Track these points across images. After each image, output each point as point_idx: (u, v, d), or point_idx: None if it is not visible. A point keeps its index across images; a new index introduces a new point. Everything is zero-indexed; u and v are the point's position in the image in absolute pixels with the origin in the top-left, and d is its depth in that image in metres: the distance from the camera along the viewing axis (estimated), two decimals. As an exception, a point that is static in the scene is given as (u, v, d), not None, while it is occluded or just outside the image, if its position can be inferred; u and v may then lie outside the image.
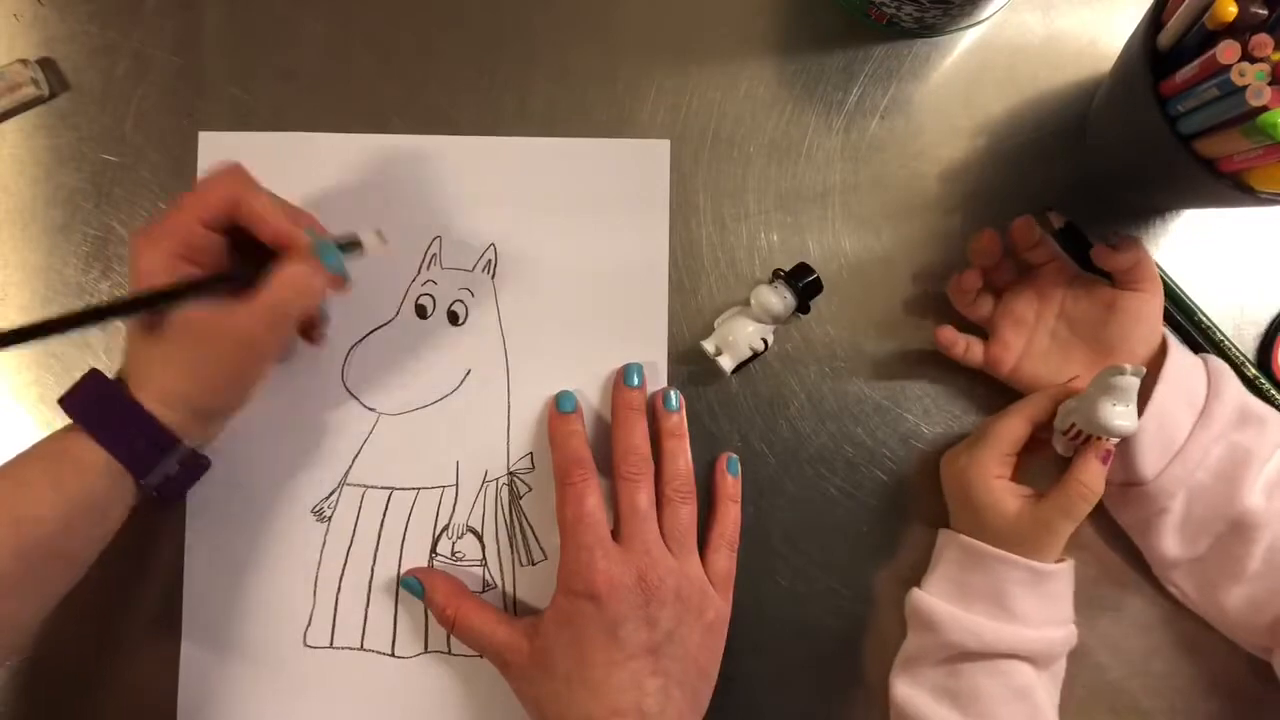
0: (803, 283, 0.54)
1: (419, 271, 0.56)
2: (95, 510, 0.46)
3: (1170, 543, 0.50)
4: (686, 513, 0.52)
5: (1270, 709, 0.53)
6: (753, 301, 0.54)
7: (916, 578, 0.53)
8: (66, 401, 0.46)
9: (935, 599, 0.50)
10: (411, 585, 0.53)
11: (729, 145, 0.57)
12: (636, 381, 0.54)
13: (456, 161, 0.56)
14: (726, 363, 0.53)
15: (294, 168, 0.56)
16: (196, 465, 0.52)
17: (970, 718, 0.48)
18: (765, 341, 0.54)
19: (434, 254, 0.56)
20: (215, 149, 0.56)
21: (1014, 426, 0.51)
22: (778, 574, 0.55)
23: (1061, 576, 0.50)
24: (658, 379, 0.55)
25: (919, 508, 0.55)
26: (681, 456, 0.53)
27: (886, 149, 0.57)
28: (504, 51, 0.57)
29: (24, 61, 0.56)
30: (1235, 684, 0.54)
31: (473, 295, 0.56)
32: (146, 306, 0.45)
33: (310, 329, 0.54)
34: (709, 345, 0.54)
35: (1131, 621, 0.54)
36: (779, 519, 0.55)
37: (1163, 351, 0.51)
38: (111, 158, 0.56)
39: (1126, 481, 0.50)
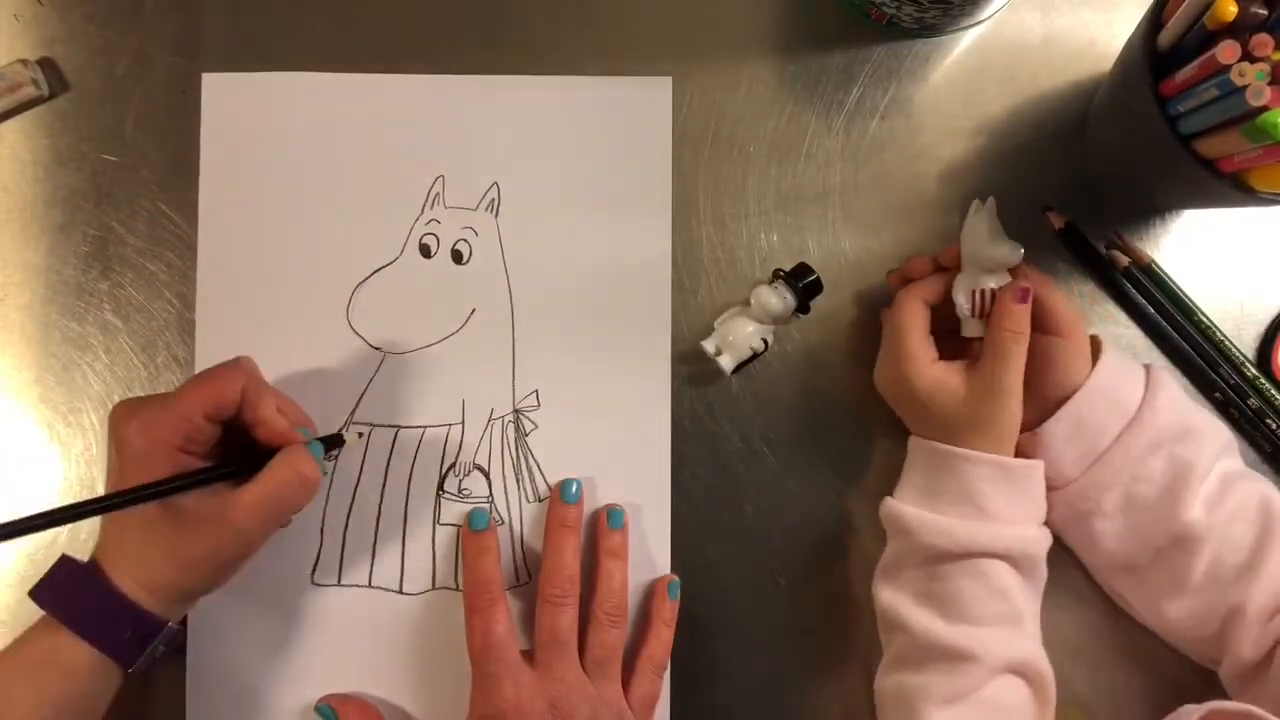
0: (803, 283, 0.54)
1: (422, 211, 0.56)
2: (83, 708, 0.45)
3: (1107, 548, 0.50)
4: (615, 636, 0.51)
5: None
6: (753, 301, 0.54)
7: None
8: (43, 594, 0.45)
9: (905, 504, 0.50)
10: (324, 712, 0.52)
11: (729, 145, 0.57)
12: (573, 498, 0.53)
13: (458, 100, 0.56)
14: (726, 363, 0.53)
15: (296, 109, 0.56)
16: (175, 638, 0.48)
17: (952, 619, 0.48)
18: (765, 341, 0.54)
19: (436, 193, 0.56)
20: (219, 90, 0.56)
21: (914, 309, 0.51)
22: (778, 574, 0.55)
23: (1030, 473, 0.50)
24: (662, 336, 0.55)
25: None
26: (619, 577, 0.52)
27: (886, 149, 0.57)
28: (505, 54, 0.57)
29: (24, 61, 0.56)
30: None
31: (476, 234, 0.56)
32: (151, 498, 0.44)
33: None
34: (709, 345, 0.54)
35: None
36: (779, 519, 0.55)
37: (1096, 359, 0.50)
38: (111, 158, 0.56)
39: (1048, 486, 0.50)
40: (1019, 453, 0.50)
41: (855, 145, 0.57)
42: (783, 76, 0.57)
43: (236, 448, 0.49)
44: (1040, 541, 0.50)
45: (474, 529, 0.53)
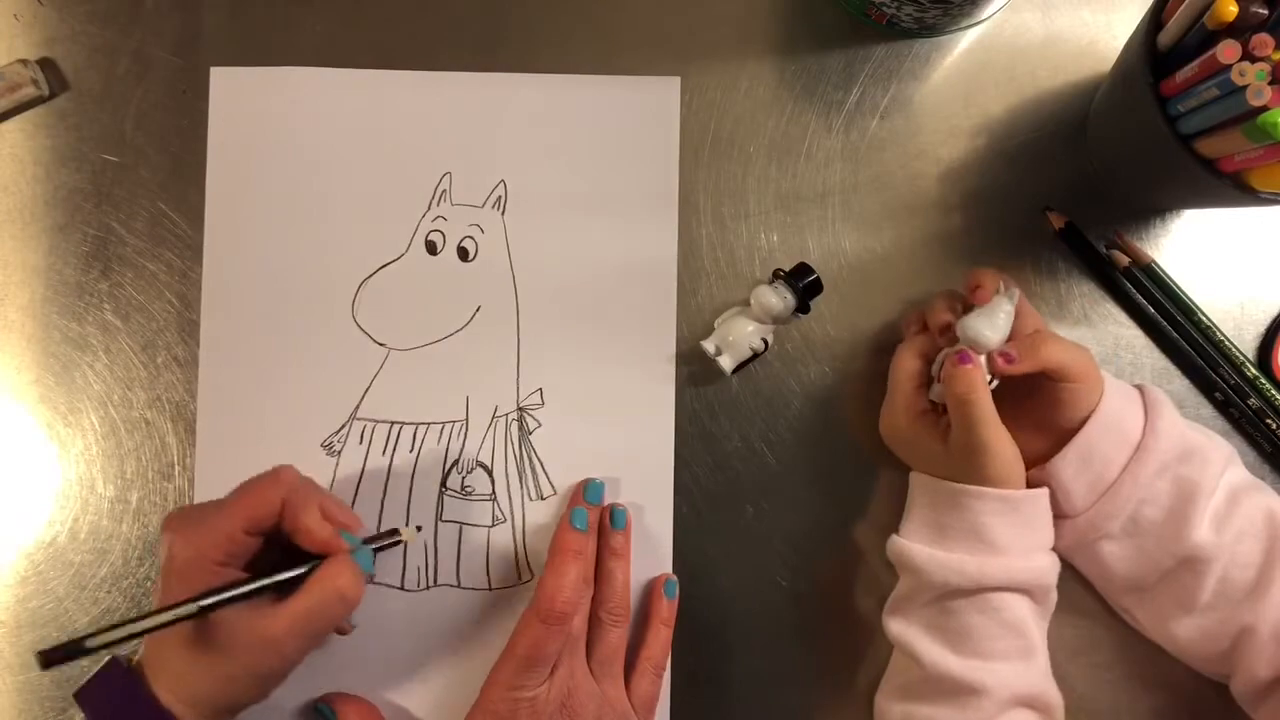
0: (803, 283, 0.54)
1: (429, 207, 0.56)
2: None
3: (1114, 569, 0.50)
4: (616, 636, 0.52)
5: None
6: (753, 301, 0.54)
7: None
8: (87, 698, 0.44)
9: (913, 543, 0.50)
10: (324, 711, 0.52)
11: (729, 145, 0.57)
12: (597, 499, 0.54)
13: (466, 97, 0.56)
14: (726, 363, 0.53)
15: (304, 104, 0.56)
16: None
17: (963, 653, 0.48)
18: (765, 341, 0.54)
19: (444, 190, 0.56)
20: (226, 84, 0.56)
21: (907, 363, 0.52)
22: (778, 574, 0.55)
23: (1035, 502, 0.49)
24: (667, 336, 0.56)
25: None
26: (620, 577, 0.53)
27: (886, 149, 0.57)
28: (504, 54, 0.57)
29: (24, 61, 0.56)
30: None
31: (483, 231, 0.56)
32: (191, 617, 0.43)
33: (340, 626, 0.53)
34: (709, 345, 0.54)
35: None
36: (779, 519, 0.55)
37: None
38: (111, 158, 0.56)
39: (1057, 514, 0.50)
40: (1029, 485, 0.50)
41: (855, 145, 0.57)
42: (783, 76, 0.57)
43: (286, 552, 0.48)
44: (1051, 570, 0.49)
45: (574, 526, 0.51)
